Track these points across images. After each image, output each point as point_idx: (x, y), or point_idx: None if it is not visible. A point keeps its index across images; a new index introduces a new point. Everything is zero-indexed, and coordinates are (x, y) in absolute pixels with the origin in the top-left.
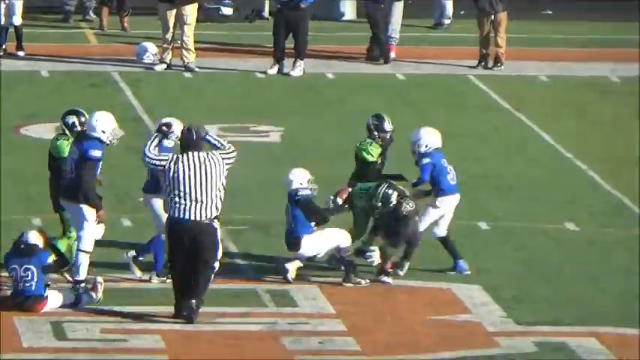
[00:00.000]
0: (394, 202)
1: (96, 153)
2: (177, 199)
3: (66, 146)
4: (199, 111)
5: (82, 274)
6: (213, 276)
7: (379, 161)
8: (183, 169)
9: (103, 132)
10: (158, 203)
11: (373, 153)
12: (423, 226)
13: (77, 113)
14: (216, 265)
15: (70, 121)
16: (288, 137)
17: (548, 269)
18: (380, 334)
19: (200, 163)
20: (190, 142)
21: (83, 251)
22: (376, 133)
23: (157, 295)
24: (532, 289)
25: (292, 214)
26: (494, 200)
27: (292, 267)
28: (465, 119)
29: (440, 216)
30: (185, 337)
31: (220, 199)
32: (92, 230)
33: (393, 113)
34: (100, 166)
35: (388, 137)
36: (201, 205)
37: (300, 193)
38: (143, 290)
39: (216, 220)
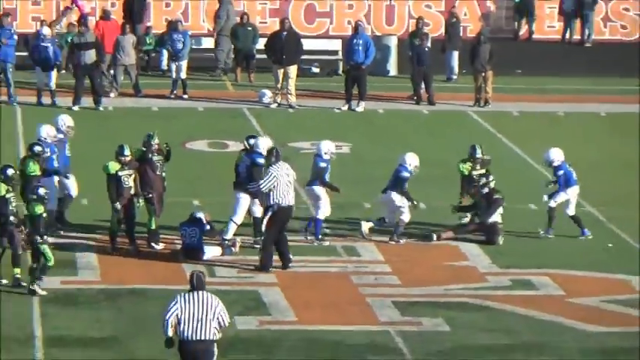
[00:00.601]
0: (487, 190)
1: (261, 160)
2: (280, 192)
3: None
4: (298, 133)
5: (229, 235)
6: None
7: (474, 175)
8: (280, 173)
9: (263, 148)
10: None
11: (463, 169)
12: (555, 203)
13: (255, 137)
14: None
15: (252, 142)
16: (354, 150)
17: (523, 235)
18: (412, 273)
19: (287, 169)
20: (279, 156)
21: (233, 221)
22: (472, 158)
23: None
24: (511, 245)
25: (392, 180)
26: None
27: (365, 226)
28: (467, 138)
29: (567, 199)
30: (289, 275)
31: None
32: (244, 209)
33: (420, 136)
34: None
35: (480, 160)
36: (292, 195)
37: (401, 173)
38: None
39: None
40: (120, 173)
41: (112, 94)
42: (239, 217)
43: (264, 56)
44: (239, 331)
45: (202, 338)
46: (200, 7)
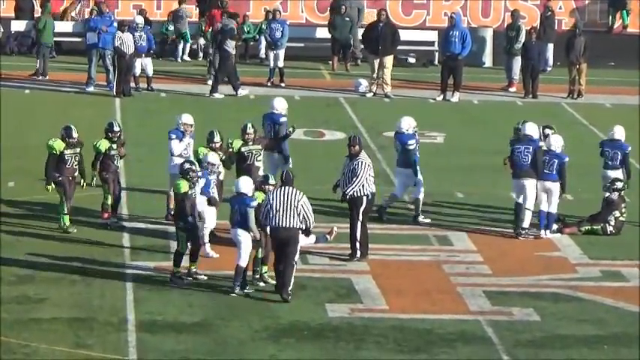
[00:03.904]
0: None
1: None
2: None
3: None
4: (393, 123)
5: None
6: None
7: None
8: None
9: None
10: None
11: None
12: None
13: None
14: None
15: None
16: (448, 139)
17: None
18: (503, 263)
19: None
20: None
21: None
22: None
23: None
24: (601, 236)
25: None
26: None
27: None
28: (560, 129)
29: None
30: (381, 263)
31: None
32: None
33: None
34: None
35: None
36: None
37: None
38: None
39: None
40: None
41: (208, 82)
42: None
43: (362, 46)
44: (331, 319)
45: (288, 226)
46: None
